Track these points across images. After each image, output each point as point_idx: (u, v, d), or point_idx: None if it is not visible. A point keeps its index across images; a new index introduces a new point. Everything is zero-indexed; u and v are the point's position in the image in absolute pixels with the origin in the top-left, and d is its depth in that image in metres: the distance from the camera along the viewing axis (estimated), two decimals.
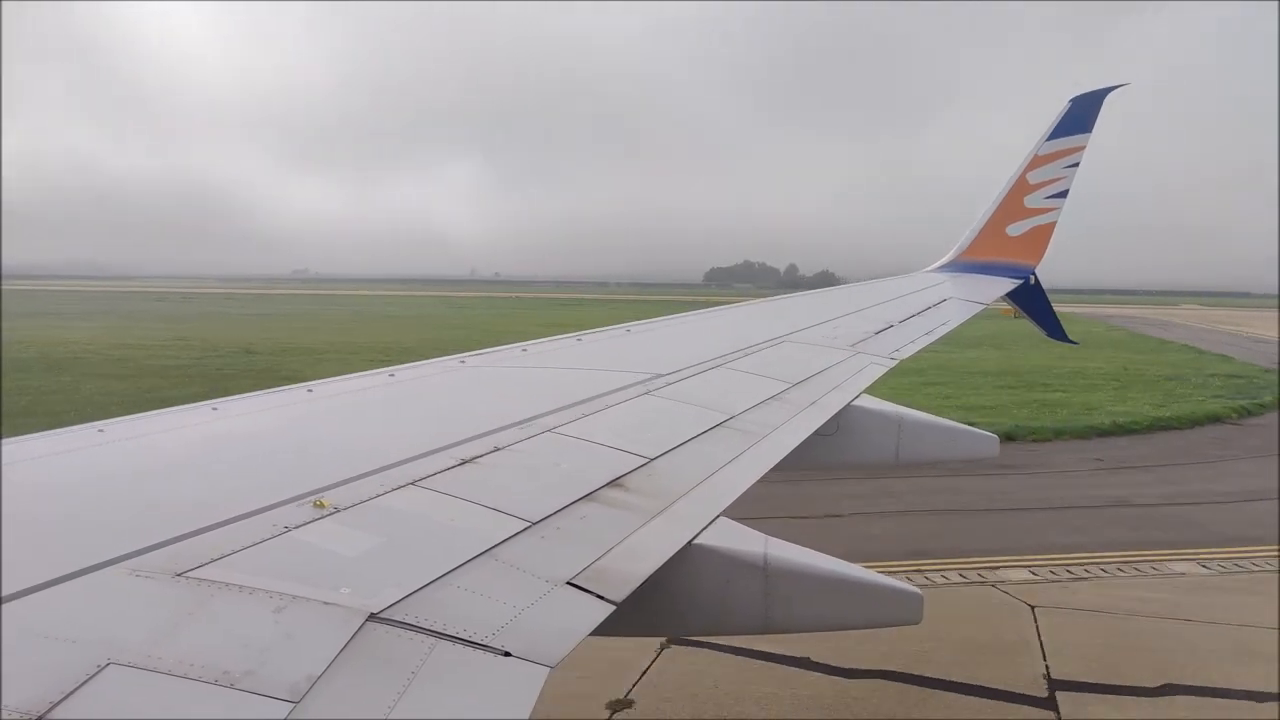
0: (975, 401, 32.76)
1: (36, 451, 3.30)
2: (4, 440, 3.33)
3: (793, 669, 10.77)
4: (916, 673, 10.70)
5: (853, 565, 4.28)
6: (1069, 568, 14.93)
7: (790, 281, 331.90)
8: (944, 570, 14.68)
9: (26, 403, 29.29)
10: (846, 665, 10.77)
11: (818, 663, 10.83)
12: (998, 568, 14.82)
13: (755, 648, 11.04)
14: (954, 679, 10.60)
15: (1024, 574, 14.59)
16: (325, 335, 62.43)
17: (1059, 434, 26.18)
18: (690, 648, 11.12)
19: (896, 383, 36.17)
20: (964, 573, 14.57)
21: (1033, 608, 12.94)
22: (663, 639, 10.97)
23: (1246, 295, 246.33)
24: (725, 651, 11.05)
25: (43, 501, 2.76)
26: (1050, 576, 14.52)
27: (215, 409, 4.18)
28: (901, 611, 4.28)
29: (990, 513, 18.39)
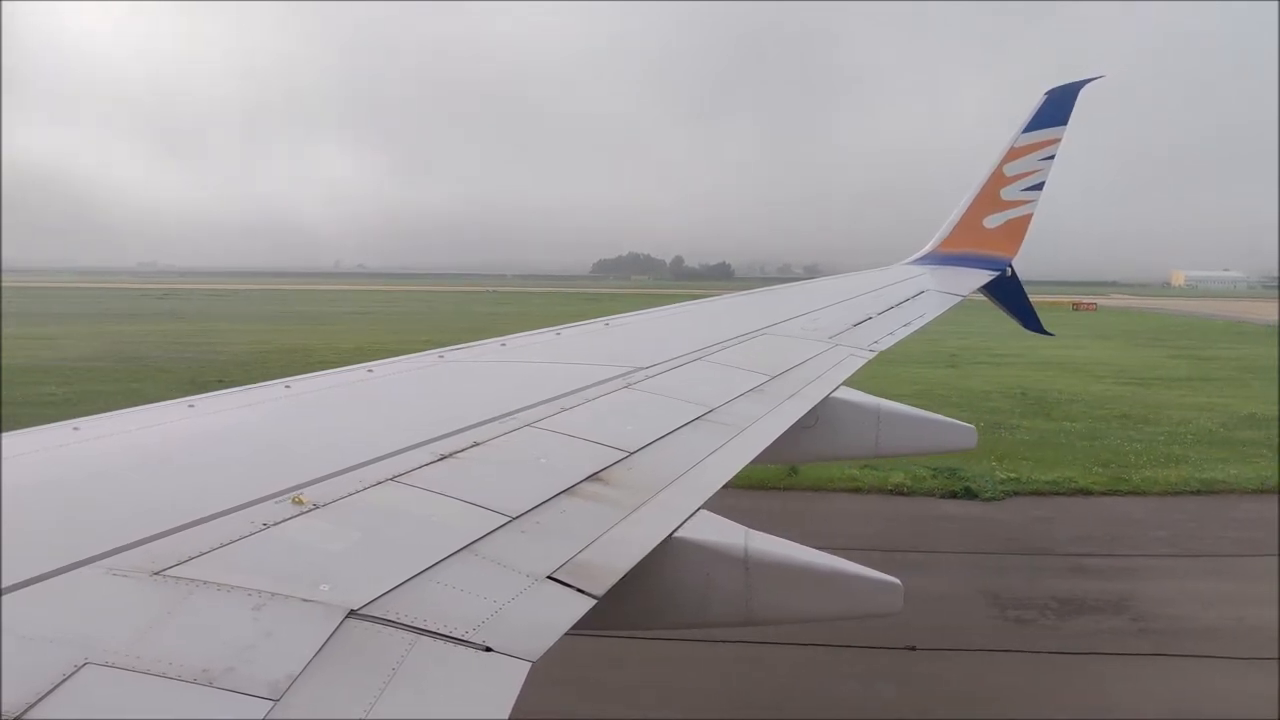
0: None
1: (11, 450, 3.26)
2: None
3: None
4: None
5: (833, 556, 4.30)
6: None
7: (679, 273, 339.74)
8: None
9: None
10: None
11: None
12: None
13: None
14: None
15: None
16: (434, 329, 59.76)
17: None
18: None
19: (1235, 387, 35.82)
20: None
21: None
22: None
23: (1115, 284, 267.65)
24: None
25: (18, 500, 2.73)
26: None
27: (192, 405, 4.15)
28: (882, 601, 4.31)
29: None
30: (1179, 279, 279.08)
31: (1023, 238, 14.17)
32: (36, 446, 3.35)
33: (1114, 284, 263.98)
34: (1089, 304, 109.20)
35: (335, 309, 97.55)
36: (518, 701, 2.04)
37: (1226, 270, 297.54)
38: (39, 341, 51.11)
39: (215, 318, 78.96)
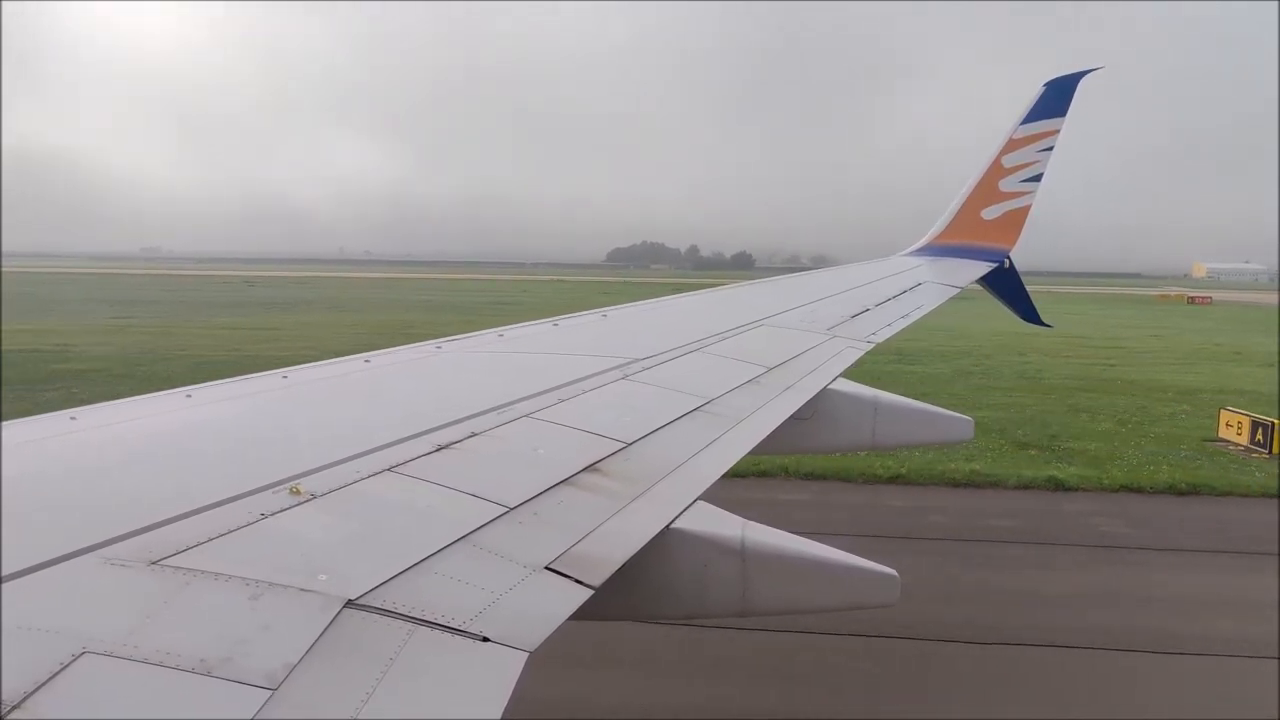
0: None
1: (8, 440, 3.26)
2: None
3: None
4: None
5: (829, 548, 4.31)
6: None
7: (696, 262, 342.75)
8: None
9: None
10: None
11: None
12: None
13: None
14: None
15: None
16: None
17: None
18: None
19: None
20: None
21: None
22: None
23: (1139, 276, 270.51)
24: None
25: (15, 490, 2.73)
26: None
27: (189, 395, 4.14)
28: (878, 593, 4.32)
29: None
30: (1200, 271, 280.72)
31: (1021, 229, 14.16)
32: (33, 436, 3.35)
33: (1137, 275, 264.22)
34: (1203, 298, 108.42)
35: (466, 299, 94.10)
36: (515, 691, 2.04)
37: (1247, 262, 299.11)
38: (270, 332, 51.55)
39: (354, 308, 76.71)
